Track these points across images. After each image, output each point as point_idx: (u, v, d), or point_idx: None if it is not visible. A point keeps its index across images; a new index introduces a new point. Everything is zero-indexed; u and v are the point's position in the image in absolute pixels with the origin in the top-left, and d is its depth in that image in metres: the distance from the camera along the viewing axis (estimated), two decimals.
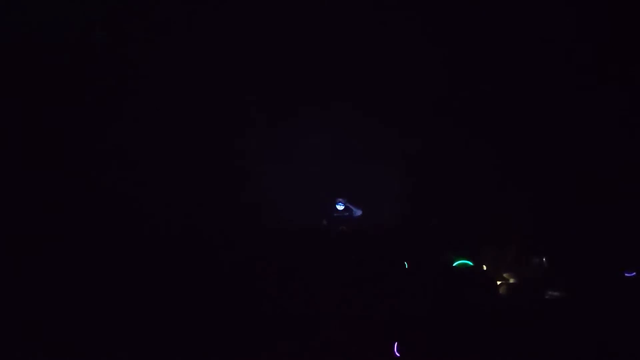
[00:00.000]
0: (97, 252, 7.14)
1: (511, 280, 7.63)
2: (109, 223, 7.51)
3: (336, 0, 7.94)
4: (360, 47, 8.21)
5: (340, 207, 8.91)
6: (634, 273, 7.24)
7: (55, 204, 7.45)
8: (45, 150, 7.64)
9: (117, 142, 7.97)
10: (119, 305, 6.85)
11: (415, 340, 6.89)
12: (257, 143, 8.54)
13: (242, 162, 8.45)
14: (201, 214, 7.96)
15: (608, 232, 7.47)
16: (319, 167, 8.76)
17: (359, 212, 8.81)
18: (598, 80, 7.73)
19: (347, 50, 8.23)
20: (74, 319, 6.75)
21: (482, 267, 7.66)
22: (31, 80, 7.59)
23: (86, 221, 7.46)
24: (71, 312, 6.79)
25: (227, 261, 7.35)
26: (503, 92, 8.05)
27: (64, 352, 6.47)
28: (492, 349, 6.76)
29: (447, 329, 6.92)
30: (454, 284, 7.39)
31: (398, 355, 6.77)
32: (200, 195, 8.16)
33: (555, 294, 7.32)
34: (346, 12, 7.90)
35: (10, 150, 7.47)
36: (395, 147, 8.52)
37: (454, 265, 7.49)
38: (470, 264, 7.56)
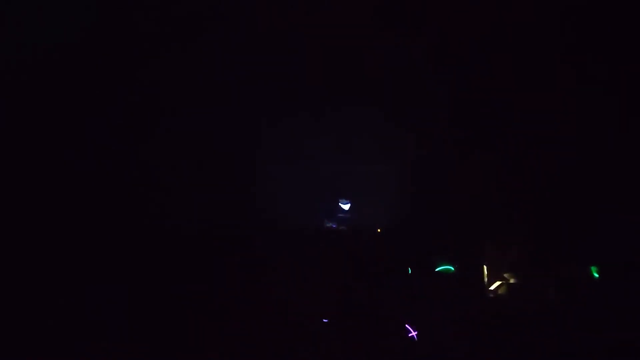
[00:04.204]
0: (97, 253, 7.22)
1: (511, 280, 7.66)
2: (110, 223, 7.59)
3: (337, 2, 7.96)
4: (360, 47, 8.22)
5: (345, 206, 8.95)
6: None
7: (57, 204, 7.51)
8: (47, 150, 7.68)
9: (116, 142, 7.98)
10: (119, 305, 6.95)
11: (416, 341, 6.98)
12: (259, 144, 8.58)
13: (244, 163, 8.50)
14: (204, 214, 8.01)
15: (608, 232, 7.48)
16: (321, 167, 8.81)
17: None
18: (599, 79, 7.71)
19: (347, 50, 8.22)
20: (75, 320, 6.85)
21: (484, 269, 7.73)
22: (31, 80, 7.58)
23: (85, 221, 7.52)
24: (73, 312, 6.90)
25: (231, 262, 7.40)
26: (503, 92, 8.05)
27: (66, 352, 6.53)
28: (493, 349, 6.81)
29: (447, 330, 7.00)
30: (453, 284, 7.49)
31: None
32: (203, 195, 8.19)
33: (556, 294, 7.35)
34: (347, 12, 7.90)
35: (12, 151, 7.51)
36: (396, 147, 8.55)
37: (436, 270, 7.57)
38: (452, 269, 7.62)
